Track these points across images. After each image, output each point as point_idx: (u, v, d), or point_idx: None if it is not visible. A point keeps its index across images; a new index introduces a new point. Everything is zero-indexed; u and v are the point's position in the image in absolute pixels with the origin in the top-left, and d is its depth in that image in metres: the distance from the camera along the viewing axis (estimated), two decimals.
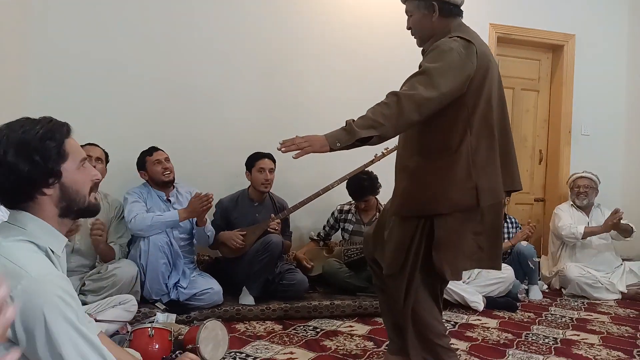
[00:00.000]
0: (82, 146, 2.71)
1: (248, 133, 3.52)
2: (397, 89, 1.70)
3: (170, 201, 3.02)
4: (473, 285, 3.29)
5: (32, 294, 0.95)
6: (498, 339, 2.61)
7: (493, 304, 3.21)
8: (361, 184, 3.24)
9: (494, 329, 2.79)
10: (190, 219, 2.91)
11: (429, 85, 1.62)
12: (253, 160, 3.16)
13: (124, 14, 3.33)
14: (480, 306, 3.15)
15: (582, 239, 3.70)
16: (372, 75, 3.76)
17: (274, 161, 3.16)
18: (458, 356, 2.02)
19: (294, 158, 1.59)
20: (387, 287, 1.94)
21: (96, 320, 2.13)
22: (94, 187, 1.20)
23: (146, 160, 2.99)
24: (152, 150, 3.02)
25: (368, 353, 2.33)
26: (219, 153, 3.49)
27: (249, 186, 3.23)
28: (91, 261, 2.70)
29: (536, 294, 3.54)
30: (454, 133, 1.74)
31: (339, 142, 1.57)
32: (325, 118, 3.66)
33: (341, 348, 2.40)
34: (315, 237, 3.53)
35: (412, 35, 1.90)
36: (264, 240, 2.94)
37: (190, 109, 3.47)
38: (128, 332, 2.15)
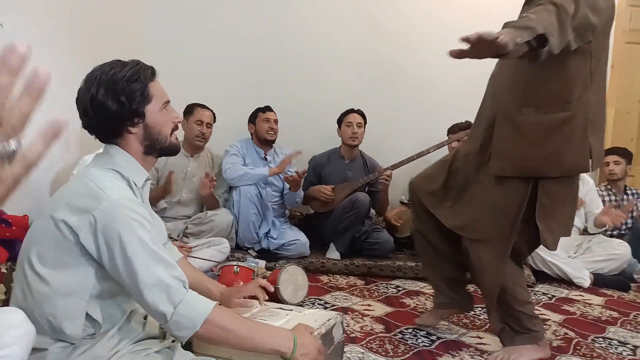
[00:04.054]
0: (195, 107, 2.98)
1: (348, 94, 3.55)
2: None
3: (267, 159, 3.18)
4: (580, 260, 3.00)
5: (110, 214, 1.07)
6: (600, 315, 2.36)
7: (602, 281, 2.89)
8: None
9: (598, 305, 2.53)
10: (284, 183, 3.06)
11: (583, 11, 1.40)
12: (342, 116, 3.23)
13: None
14: (586, 283, 2.86)
15: None
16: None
17: (363, 117, 3.19)
18: (542, 322, 1.88)
19: (454, 57, 1.22)
20: (456, 249, 1.82)
21: (189, 256, 2.37)
22: (176, 128, 1.28)
23: (258, 115, 3.18)
24: (266, 108, 3.20)
25: None
26: (318, 113, 3.56)
27: (341, 144, 3.28)
28: (193, 211, 2.96)
29: None
30: (575, 84, 1.54)
31: (519, 37, 1.23)
32: (427, 81, 3.58)
33: (421, 307, 2.36)
34: (406, 202, 3.46)
35: None
36: (351, 197, 2.99)
37: (293, 72, 3.58)
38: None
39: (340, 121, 3.23)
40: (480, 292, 1.91)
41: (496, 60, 1.63)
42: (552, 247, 1.71)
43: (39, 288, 1.10)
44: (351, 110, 3.21)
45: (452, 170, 1.82)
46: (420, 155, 3.08)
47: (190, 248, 2.41)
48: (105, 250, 1.07)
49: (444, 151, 3.26)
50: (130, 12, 3.28)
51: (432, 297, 2.50)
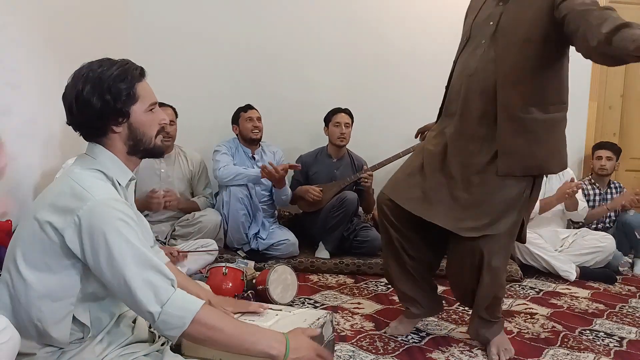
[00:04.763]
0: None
1: (330, 92, 3.54)
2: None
3: (255, 158, 3.16)
4: (566, 254, 3.04)
5: (95, 214, 1.05)
6: (587, 308, 2.39)
7: (588, 274, 2.93)
8: None
9: (584, 298, 2.56)
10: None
11: None
12: (330, 115, 3.21)
13: None
14: (572, 276, 2.89)
15: None
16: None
17: (351, 116, 3.19)
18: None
19: None
20: (461, 256, 1.74)
21: (180, 253, 2.37)
22: (161, 130, 1.27)
23: (240, 115, 3.15)
24: (248, 107, 3.16)
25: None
26: (301, 112, 3.55)
27: (328, 143, 3.28)
28: (177, 211, 2.89)
29: None
30: (566, 84, 1.64)
31: None
32: (408, 75, 3.59)
33: None
34: None
35: None
36: (339, 196, 2.98)
37: (276, 71, 3.56)
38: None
39: (327, 120, 3.21)
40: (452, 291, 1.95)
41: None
42: (524, 239, 1.82)
43: (26, 292, 1.08)
44: (339, 110, 3.20)
45: (434, 171, 1.75)
46: (406, 152, 3.09)
47: (183, 254, 2.39)
48: (90, 251, 1.06)
49: None
50: (115, 12, 3.23)
51: None
